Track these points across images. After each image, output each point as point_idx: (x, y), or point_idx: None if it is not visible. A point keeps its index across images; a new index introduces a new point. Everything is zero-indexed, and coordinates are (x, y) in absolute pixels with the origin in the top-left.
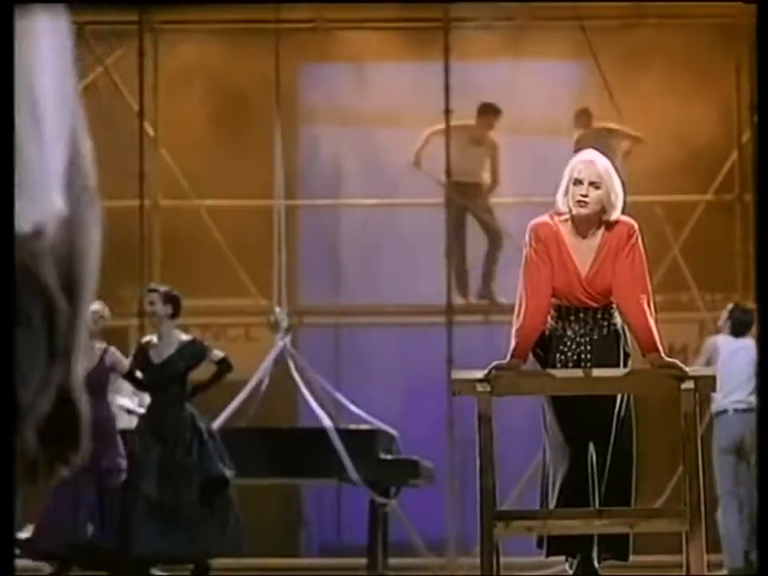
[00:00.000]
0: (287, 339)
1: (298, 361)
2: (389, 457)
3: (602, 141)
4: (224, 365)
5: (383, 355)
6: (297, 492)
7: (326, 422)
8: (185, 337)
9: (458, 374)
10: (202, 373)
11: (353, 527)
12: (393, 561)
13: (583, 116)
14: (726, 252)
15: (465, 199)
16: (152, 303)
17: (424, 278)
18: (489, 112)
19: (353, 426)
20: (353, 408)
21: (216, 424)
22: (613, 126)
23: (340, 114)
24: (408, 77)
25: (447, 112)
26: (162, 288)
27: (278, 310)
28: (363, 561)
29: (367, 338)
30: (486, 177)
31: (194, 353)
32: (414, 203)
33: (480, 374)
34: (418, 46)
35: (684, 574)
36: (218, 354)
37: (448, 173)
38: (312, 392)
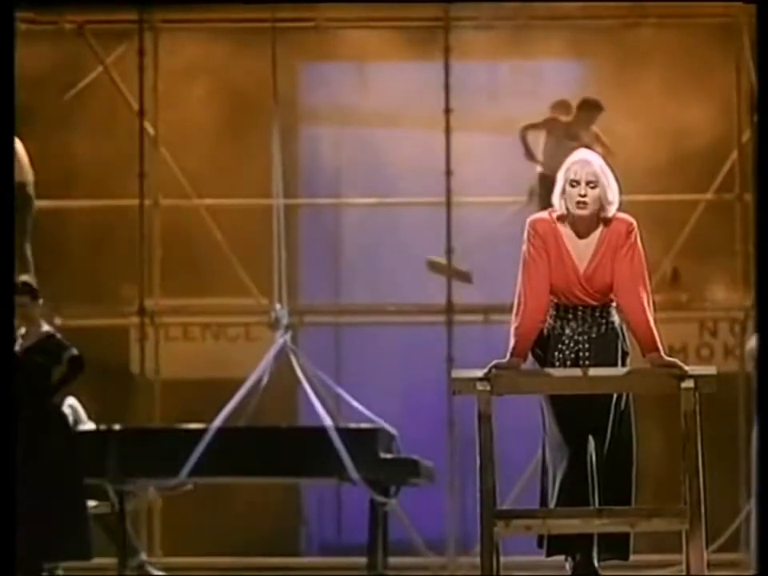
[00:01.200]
0: (287, 336)
1: (299, 357)
2: (389, 456)
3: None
4: (74, 364)
5: (383, 354)
6: (297, 491)
7: (327, 421)
8: (48, 330)
9: (458, 373)
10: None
11: (353, 526)
12: (393, 560)
13: (563, 107)
14: (726, 252)
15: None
16: (23, 305)
17: (424, 277)
18: (591, 107)
19: (353, 425)
20: (354, 403)
21: (215, 422)
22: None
23: (340, 113)
24: (408, 77)
25: (447, 112)
26: (33, 282)
27: (278, 306)
28: (363, 560)
29: (367, 338)
30: None
31: (50, 347)
32: (414, 202)
33: (480, 373)
34: (417, 45)
35: (684, 574)
36: (72, 352)
37: (448, 171)
38: (313, 388)
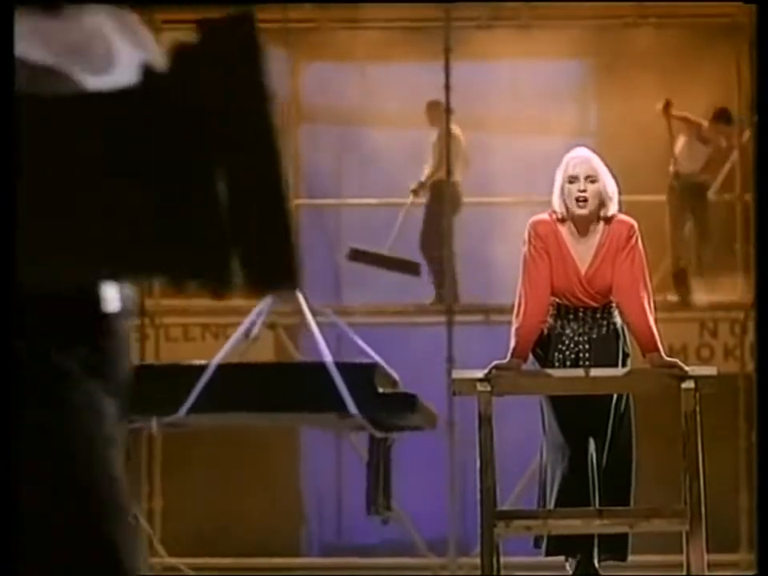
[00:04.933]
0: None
1: (306, 296)
2: (387, 391)
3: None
4: None
5: (383, 355)
6: (297, 490)
7: (327, 356)
8: None
9: (459, 374)
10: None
11: (353, 527)
12: (393, 561)
13: (436, 107)
14: (727, 252)
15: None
16: None
17: (424, 276)
18: (722, 119)
19: (351, 360)
20: (358, 341)
21: (210, 366)
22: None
23: (340, 113)
24: (408, 77)
25: (447, 111)
26: None
27: None
28: (363, 560)
29: (367, 338)
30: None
31: None
32: (413, 202)
33: (480, 374)
34: (417, 45)
35: (684, 573)
36: None
37: (448, 171)
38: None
